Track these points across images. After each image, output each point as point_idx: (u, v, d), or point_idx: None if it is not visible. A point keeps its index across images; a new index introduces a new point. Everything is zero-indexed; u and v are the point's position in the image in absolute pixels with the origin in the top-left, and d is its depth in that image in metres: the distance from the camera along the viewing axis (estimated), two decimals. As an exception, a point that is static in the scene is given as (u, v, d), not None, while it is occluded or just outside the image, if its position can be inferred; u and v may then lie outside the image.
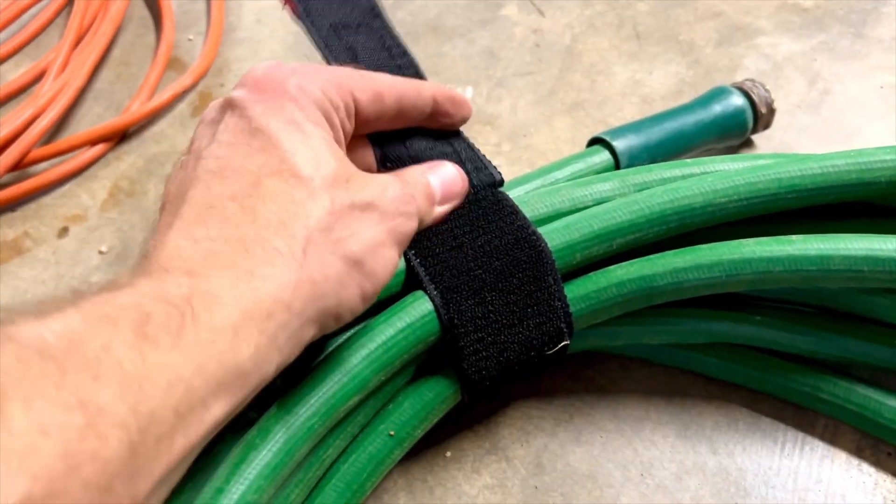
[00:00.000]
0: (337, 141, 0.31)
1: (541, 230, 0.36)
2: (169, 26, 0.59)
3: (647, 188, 0.37)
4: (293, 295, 0.25)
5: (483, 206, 0.36)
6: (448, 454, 0.39)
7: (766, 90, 0.49)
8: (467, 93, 0.55)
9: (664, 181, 0.38)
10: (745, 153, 0.40)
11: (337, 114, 0.31)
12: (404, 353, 0.33)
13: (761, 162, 0.37)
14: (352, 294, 0.28)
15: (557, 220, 0.36)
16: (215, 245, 0.25)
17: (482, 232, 0.35)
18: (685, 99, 0.53)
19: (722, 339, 0.39)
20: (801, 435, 0.39)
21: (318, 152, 0.28)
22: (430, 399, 0.35)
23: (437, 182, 0.34)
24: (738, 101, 0.48)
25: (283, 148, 0.28)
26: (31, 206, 0.51)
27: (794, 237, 0.34)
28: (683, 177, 0.38)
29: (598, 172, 0.42)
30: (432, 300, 0.34)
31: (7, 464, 0.17)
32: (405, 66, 0.40)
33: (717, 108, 0.48)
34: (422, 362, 0.36)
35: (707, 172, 0.38)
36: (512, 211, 0.36)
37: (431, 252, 0.35)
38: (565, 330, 0.35)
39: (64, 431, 0.18)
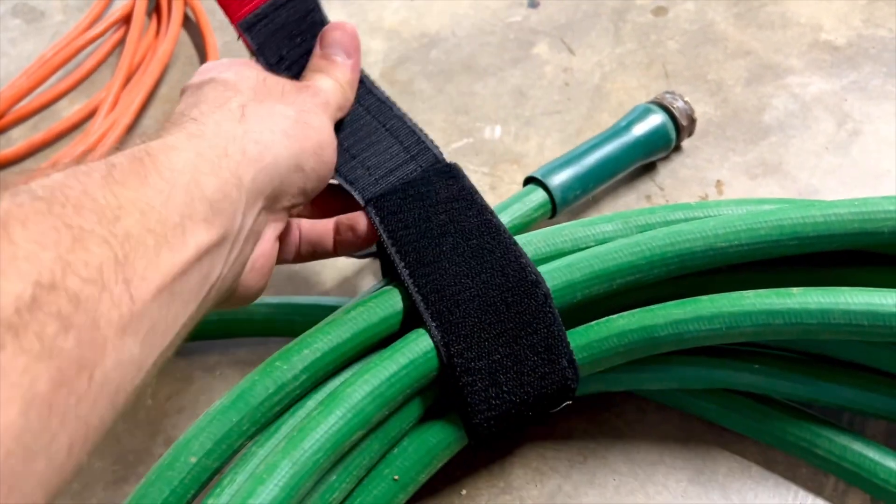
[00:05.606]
0: None
1: (542, 268, 0.36)
2: (214, 65, 0.62)
3: (649, 229, 0.38)
4: (243, 138, 0.31)
5: (484, 245, 0.36)
6: (463, 492, 0.40)
7: (685, 101, 0.50)
8: (496, 132, 0.57)
9: (667, 223, 0.38)
10: (750, 197, 0.40)
11: None
12: (407, 388, 0.34)
13: (765, 207, 0.37)
14: (300, 139, 0.33)
15: (559, 259, 0.37)
16: (173, 121, 0.31)
17: (483, 270, 0.36)
18: (712, 139, 0.54)
19: (721, 386, 0.39)
20: (813, 486, 0.39)
21: (250, 80, 0.35)
22: (434, 445, 0.36)
23: (334, 52, 0.39)
24: (658, 118, 0.49)
25: (227, 80, 0.34)
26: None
27: (794, 290, 0.34)
28: (686, 219, 0.38)
29: (536, 210, 0.44)
30: (432, 337, 0.35)
31: (14, 265, 0.21)
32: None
33: (640, 129, 0.49)
34: (430, 404, 0.36)
35: (710, 216, 0.38)
36: (514, 252, 0.36)
37: (432, 288, 0.35)
38: (571, 384, 0.35)
39: (56, 245, 0.22)
